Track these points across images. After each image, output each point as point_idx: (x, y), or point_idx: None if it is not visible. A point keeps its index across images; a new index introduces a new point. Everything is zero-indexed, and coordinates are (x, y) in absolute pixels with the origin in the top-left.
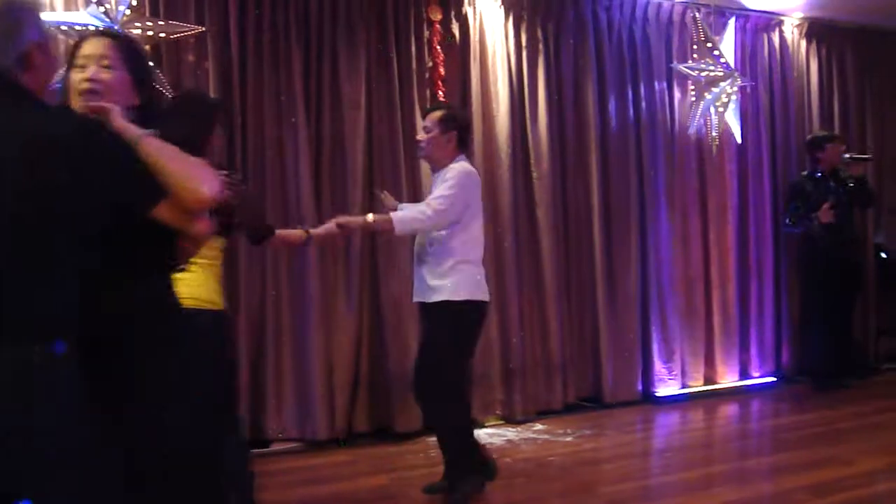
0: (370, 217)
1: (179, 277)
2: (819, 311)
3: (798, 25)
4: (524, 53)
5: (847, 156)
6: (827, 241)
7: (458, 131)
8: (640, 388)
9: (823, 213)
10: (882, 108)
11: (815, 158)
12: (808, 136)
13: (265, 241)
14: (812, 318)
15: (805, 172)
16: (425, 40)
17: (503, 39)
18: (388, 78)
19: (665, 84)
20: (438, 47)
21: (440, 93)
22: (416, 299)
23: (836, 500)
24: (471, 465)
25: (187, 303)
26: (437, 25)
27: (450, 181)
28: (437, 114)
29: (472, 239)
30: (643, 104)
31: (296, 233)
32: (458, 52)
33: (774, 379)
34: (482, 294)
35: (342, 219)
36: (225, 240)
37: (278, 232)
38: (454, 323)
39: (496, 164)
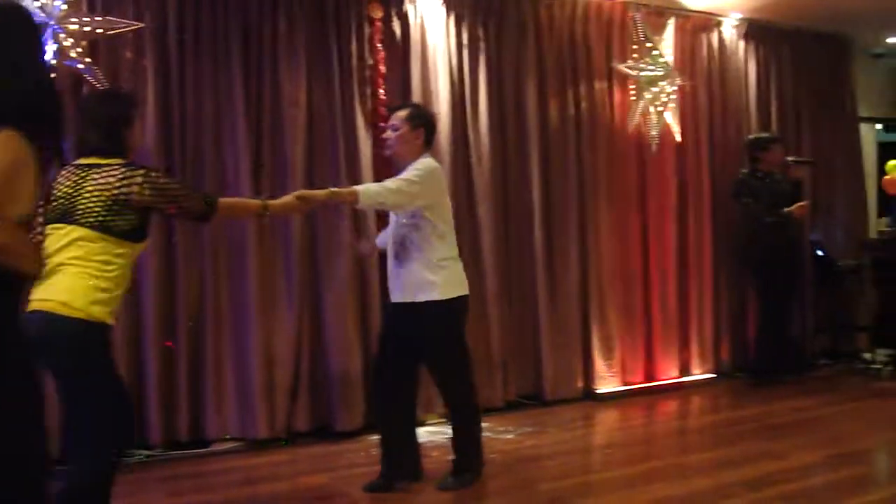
0: (333, 189)
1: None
2: (760, 308)
3: (737, 26)
4: (465, 52)
5: (790, 158)
6: (769, 238)
7: (425, 129)
8: (580, 385)
9: (798, 209)
10: (817, 110)
11: (755, 158)
12: (752, 136)
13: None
14: (753, 315)
15: (746, 171)
16: (366, 38)
17: (444, 37)
18: (328, 75)
19: (605, 83)
20: (379, 45)
21: (381, 91)
22: (397, 299)
23: (771, 493)
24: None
25: (48, 306)
26: (378, 23)
27: (418, 170)
28: (405, 112)
29: (451, 233)
30: (583, 103)
31: (253, 202)
32: (399, 49)
33: (713, 375)
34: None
35: (303, 192)
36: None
37: (234, 200)
38: (452, 320)
39: (437, 162)
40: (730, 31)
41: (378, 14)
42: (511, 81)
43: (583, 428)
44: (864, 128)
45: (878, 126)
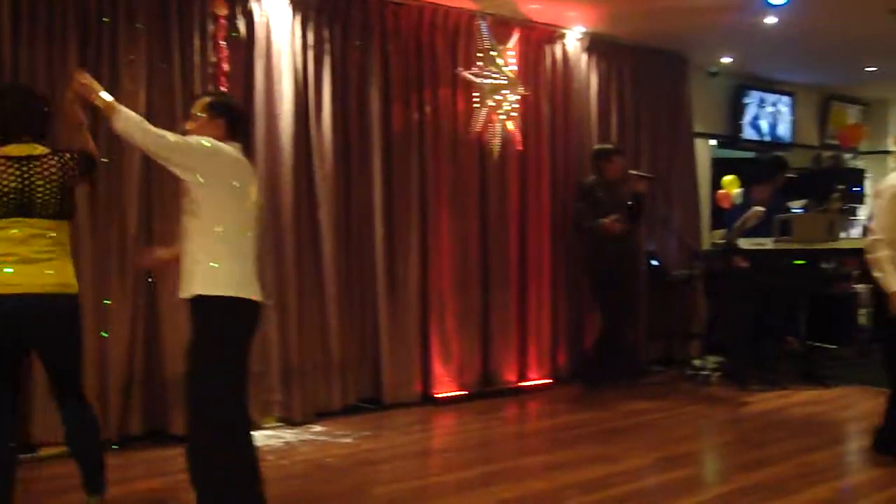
0: (108, 97)
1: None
2: (599, 315)
3: (580, 39)
4: (310, 53)
5: (632, 171)
6: (612, 248)
7: (227, 118)
8: (419, 389)
9: (610, 223)
10: (656, 124)
11: (600, 168)
12: (596, 147)
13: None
14: (590, 321)
15: (592, 178)
16: (209, 35)
17: (289, 38)
18: (169, 72)
19: (450, 90)
20: (223, 43)
21: (223, 89)
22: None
23: (604, 495)
24: None
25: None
26: (223, 20)
27: (205, 141)
28: (205, 100)
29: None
30: (427, 108)
31: (83, 126)
32: (244, 48)
33: (551, 380)
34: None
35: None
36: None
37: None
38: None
39: (279, 163)
40: (573, 43)
41: (223, 11)
42: (356, 85)
43: (421, 432)
44: (699, 143)
45: (713, 142)
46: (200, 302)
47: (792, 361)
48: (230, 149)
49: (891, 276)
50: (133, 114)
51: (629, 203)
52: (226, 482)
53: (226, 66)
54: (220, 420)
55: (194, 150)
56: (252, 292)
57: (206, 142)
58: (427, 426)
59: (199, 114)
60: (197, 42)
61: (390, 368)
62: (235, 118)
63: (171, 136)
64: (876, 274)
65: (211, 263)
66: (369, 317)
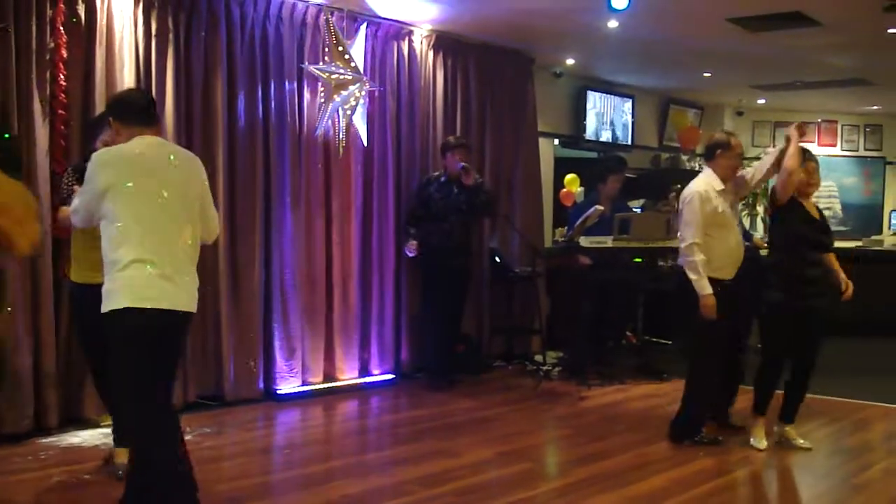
0: None
1: None
2: (432, 311)
3: (427, 37)
4: (153, 42)
5: (463, 164)
6: (439, 247)
7: (113, 116)
8: (261, 385)
9: (409, 246)
10: (500, 122)
11: (444, 164)
12: (444, 140)
13: None
14: (427, 317)
15: (436, 173)
16: (48, 19)
17: (132, 26)
18: (4, 57)
19: (295, 84)
20: (62, 28)
21: (61, 76)
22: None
23: (445, 490)
24: None
25: None
26: (62, 4)
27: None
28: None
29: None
30: (272, 103)
31: None
32: (83, 34)
33: (393, 376)
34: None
35: None
36: None
37: None
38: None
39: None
40: (420, 40)
41: None
42: (200, 77)
43: (263, 428)
44: (542, 142)
45: (556, 141)
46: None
47: (630, 356)
48: (114, 154)
49: (705, 280)
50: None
51: (470, 196)
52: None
53: (64, 53)
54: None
55: (86, 196)
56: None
57: (90, 173)
58: (269, 423)
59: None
60: (34, 26)
61: (232, 365)
62: (119, 111)
63: (74, 203)
64: (692, 276)
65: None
66: (211, 313)
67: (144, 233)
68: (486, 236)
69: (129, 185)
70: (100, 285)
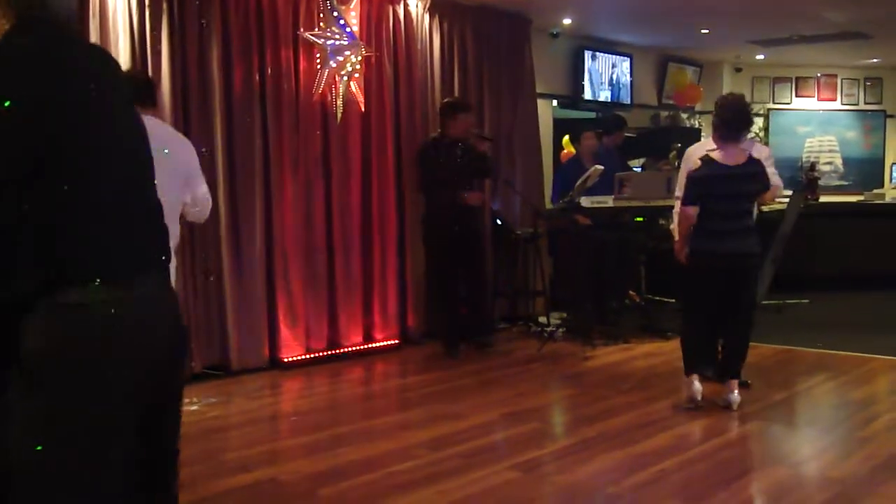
0: None
1: None
2: (439, 275)
3: (422, 0)
4: (147, 11)
5: (475, 131)
6: (449, 213)
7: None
8: (266, 353)
9: (471, 196)
10: (498, 85)
11: (444, 125)
12: (444, 101)
13: None
14: (433, 282)
15: (433, 136)
16: None
17: None
18: None
19: (291, 51)
20: None
21: None
22: None
23: (451, 452)
24: None
25: None
26: None
27: None
28: None
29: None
30: (269, 70)
31: None
32: (76, 6)
33: (398, 341)
34: None
35: None
36: None
37: None
38: None
39: None
40: (415, 4)
41: None
42: (195, 46)
43: (269, 396)
44: (541, 104)
45: (555, 103)
46: None
47: (633, 315)
48: None
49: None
50: None
51: (474, 161)
52: None
53: None
54: None
55: None
56: None
57: None
58: (275, 391)
59: None
60: None
61: (236, 334)
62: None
63: None
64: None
65: None
66: (214, 283)
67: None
68: (488, 202)
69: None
70: None
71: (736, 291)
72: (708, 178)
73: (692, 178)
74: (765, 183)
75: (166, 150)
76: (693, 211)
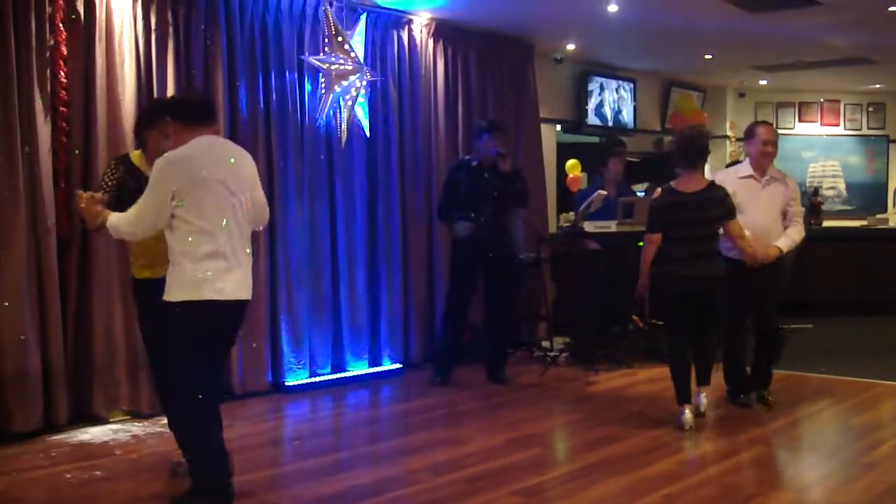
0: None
1: None
2: (450, 297)
3: (426, 25)
4: (153, 37)
5: (499, 150)
6: (471, 237)
7: (170, 115)
8: (269, 378)
9: (462, 227)
10: (502, 108)
11: (474, 148)
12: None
13: None
14: (446, 310)
15: (464, 159)
16: (47, 16)
17: (131, 20)
18: (4, 55)
19: (296, 75)
20: (61, 25)
21: (62, 73)
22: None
23: (454, 477)
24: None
25: None
26: (60, 1)
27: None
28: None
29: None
30: (273, 94)
31: None
32: (83, 31)
33: (401, 365)
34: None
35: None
36: None
37: None
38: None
39: (121, 150)
40: (420, 28)
41: None
42: (200, 70)
43: (272, 421)
44: (545, 128)
45: (558, 127)
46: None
47: (636, 340)
48: (178, 158)
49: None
50: (117, 219)
51: (504, 184)
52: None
53: (64, 50)
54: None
55: (152, 203)
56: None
57: (156, 180)
58: (278, 415)
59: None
60: (33, 24)
61: (240, 358)
62: (175, 109)
63: (131, 215)
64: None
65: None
66: None
67: (215, 229)
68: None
69: (198, 184)
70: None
71: (700, 314)
72: (669, 207)
73: (653, 208)
74: (728, 207)
75: (232, 160)
76: (656, 238)
